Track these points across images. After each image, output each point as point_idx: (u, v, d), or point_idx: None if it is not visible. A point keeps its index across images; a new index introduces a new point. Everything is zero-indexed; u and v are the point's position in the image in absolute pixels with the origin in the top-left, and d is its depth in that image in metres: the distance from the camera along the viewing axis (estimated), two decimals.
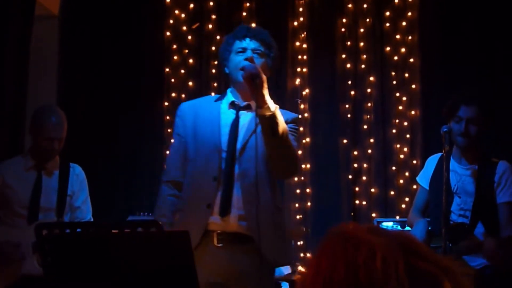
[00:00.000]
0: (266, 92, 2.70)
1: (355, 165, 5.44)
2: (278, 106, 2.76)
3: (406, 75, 5.45)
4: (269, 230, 2.81)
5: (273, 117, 2.70)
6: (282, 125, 2.73)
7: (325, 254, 1.02)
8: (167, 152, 5.47)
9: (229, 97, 2.98)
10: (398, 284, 0.93)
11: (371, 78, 5.50)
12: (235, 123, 2.89)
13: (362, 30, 5.56)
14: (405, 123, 5.40)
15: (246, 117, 2.90)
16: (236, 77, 2.86)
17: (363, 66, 5.54)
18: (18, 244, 3.51)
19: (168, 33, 5.65)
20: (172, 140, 3.11)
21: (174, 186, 2.98)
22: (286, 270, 4.56)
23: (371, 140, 5.44)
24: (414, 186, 4.32)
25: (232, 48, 2.93)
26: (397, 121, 5.42)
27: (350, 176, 5.42)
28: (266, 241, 2.77)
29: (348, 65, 5.54)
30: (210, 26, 5.65)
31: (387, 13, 5.54)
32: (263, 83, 2.69)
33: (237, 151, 2.84)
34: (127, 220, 3.79)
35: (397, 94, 5.45)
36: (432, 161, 3.67)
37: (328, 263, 0.99)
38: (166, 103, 5.58)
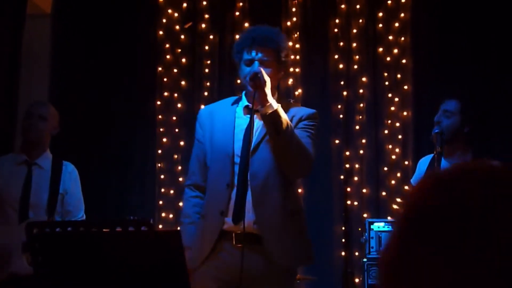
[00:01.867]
0: (268, 92, 2.79)
1: (347, 166, 5.44)
2: (280, 105, 2.83)
3: (399, 76, 5.46)
4: (279, 233, 2.86)
5: (274, 115, 2.75)
6: (285, 123, 2.79)
7: None
8: (159, 151, 5.50)
9: (244, 101, 3.03)
10: None
11: (364, 79, 5.51)
12: (249, 128, 2.91)
13: (354, 30, 5.56)
14: (397, 124, 5.41)
15: (259, 121, 2.95)
16: (245, 86, 2.92)
17: (355, 66, 5.54)
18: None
19: (161, 32, 5.64)
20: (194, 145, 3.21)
21: (196, 188, 3.06)
22: None
23: (363, 141, 5.44)
24: (406, 187, 4.33)
25: (241, 56, 2.97)
26: (389, 122, 5.43)
27: (342, 177, 5.42)
28: (276, 244, 2.83)
29: (341, 66, 5.54)
30: (203, 25, 5.64)
31: (380, 14, 5.54)
32: (266, 82, 2.78)
33: (250, 155, 2.88)
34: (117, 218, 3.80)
35: (389, 95, 5.45)
36: (424, 162, 3.69)
37: None
38: (159, 103, 5.57)
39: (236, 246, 2.84)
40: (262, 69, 2.84)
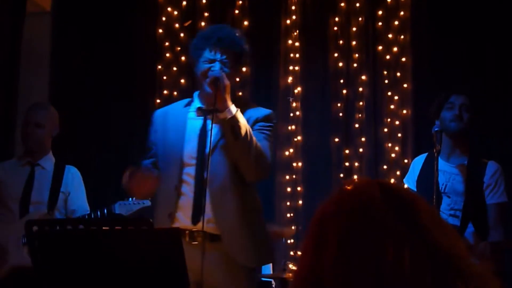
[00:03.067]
0: (227, 97, 2.79)
1: (347, 164, 5.44)
2: (239, 109, 2.83)
3: (398, 74, 5.45)
4: (237, 232, 2.85)
5: (233, 120, 2.75)
6: (244, 128, 2.78)
7: None
8: None
9: (196, 102, 3.01)
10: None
11: (363, 77, 5.51)
12: (204, 129, 2.91)
13: (354, 29, 5.56)
14: (397, 122, 5.41)
15: (214, 124, 2.90)
16: (202, 84, 2.89)
17: (355, 65, 5.54)
18: None
19: (160, 30, 5.63)
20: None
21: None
22: (267, 268, 4.56)
23: (363, 139, 5.44)
24: (405, 186, 4.32)
25: (201, 53, 2.91)
26: (388, 120, 5.43)
27: (341, 175, 5.42)
28: (233, 243, 2.84)
29: (340, 64, 5.54)
30: (203, 23, 5.64)
31: (380, 12, 5.54)
32: (226, 87, 2.78)
33: (206, 157, 2.84)
34: (116, 207, 3.80)
35: (389, 93, 5.45)
36: (418, 162, 3.68)
37: None
38: (158, 101, 5.56)
39: (191, 244, 2.80)
40: (223, 74, 2.81)
